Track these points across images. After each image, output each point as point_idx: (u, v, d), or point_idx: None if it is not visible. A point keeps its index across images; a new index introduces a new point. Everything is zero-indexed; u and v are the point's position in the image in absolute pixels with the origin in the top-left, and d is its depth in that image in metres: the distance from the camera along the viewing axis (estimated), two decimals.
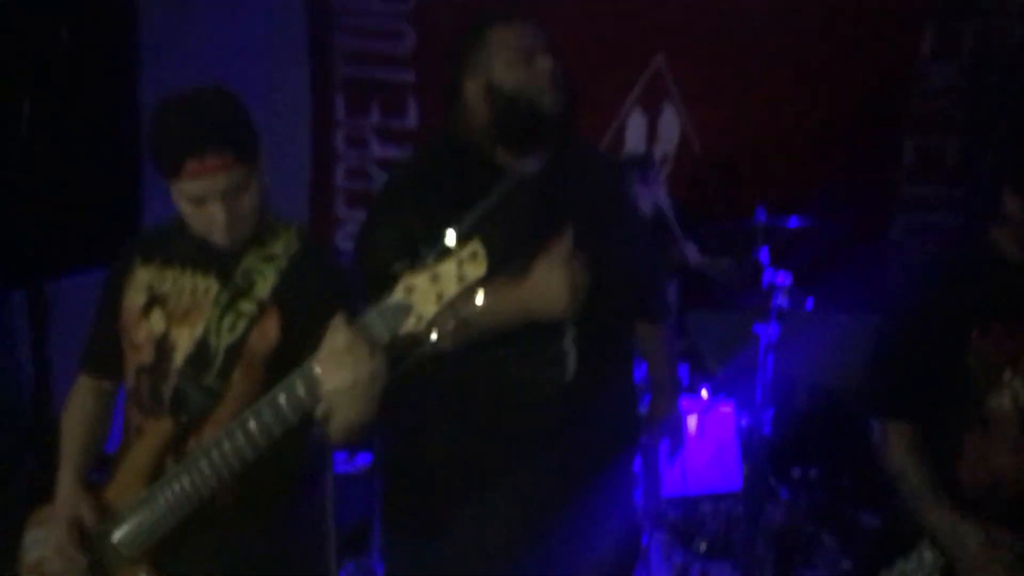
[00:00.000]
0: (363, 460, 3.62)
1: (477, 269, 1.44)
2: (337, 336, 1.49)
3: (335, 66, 5.08)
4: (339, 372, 1.48)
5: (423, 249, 1.50)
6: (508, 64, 1.92)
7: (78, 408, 1.96)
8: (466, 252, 1.44)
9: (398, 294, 1.47)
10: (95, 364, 1.98)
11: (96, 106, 3.24)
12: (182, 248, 1.84)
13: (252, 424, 1.60)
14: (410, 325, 1.47)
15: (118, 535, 1.77)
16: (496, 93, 1.93)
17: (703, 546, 3.87)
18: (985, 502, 1.95)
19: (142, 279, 1.86)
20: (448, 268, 1.44)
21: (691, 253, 4.16)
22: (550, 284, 1.79)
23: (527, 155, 1.97)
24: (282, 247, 1.86)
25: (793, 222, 3.87)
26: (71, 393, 1.98)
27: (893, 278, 4.61)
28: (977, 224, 4.06)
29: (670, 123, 4.87)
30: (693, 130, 4.80)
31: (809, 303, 3.76)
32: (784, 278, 3.69)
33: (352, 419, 1.57)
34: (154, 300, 1.83)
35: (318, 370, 1.52)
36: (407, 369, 1.61)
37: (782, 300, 3.69)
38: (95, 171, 3.24)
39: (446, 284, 1.44)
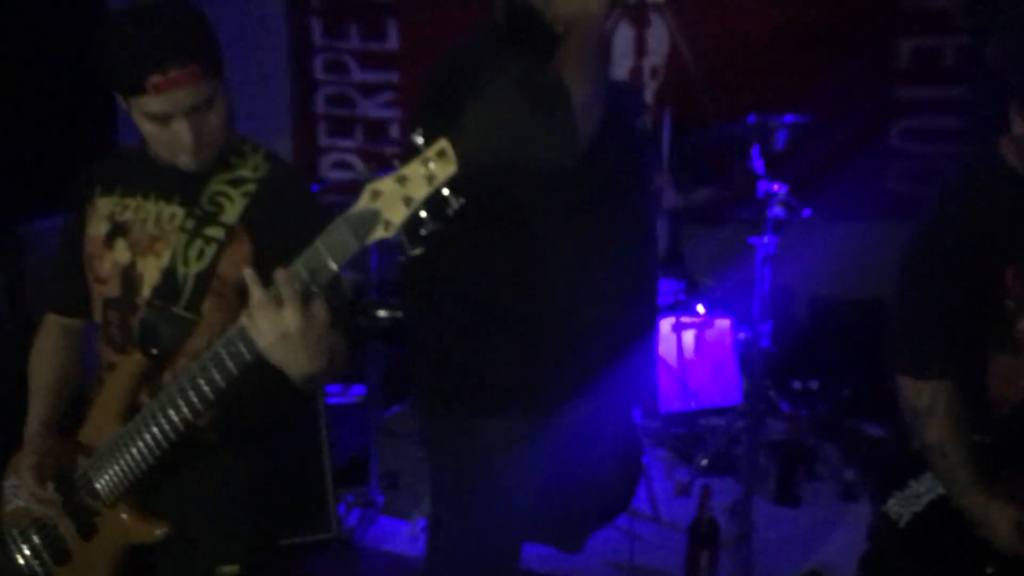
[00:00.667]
0: (357, 391, 3.57)
1: (445, 168, 1.34)
2: (254, 292, 1.40)
3: None
4: (264, 328, 1.40)
5: (387, 151, 1.41)
6: None
7: (44, 349, 1.89)
8: (433, 151, 1.34)
9: (363, 200, 1.37)
10: (60, 301, 1.90)
11: (63, 44, 3.11)
12: (143, 175, 1.75)
13: (223, 355, 1.52)
14: (379, 232, 1.37)
15: (99, 480, 1.71)
16: None
17: (704, 462, 3.86)
18: (1014, 422, 1.89)
19: (103, 209, 1.77)
20: (415, 169, 1.34)
21: (667, 198, 4.03)
22: None
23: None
24: (250, 170, 1.76)
25: (786, 118, 3.71)
26: (38, 334, 1.91)
27: (892, 184, 4.51)
28: (979, 133, 3.99)
29: (659, 35, 4.71)
30: (683, 40, 4.64)
31: (806, 212, 3.66)
32: (780, 187, 3.60)
33: (300, 371, 1.47)
34: (117, 230, 1.74)
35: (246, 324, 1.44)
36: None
37: (778, 210, 3.59)
38: (67, 112, 3.12)
39: (414, 187, 1.35)
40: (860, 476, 3.70)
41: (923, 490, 1.93)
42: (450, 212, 1.38)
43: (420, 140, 1.36)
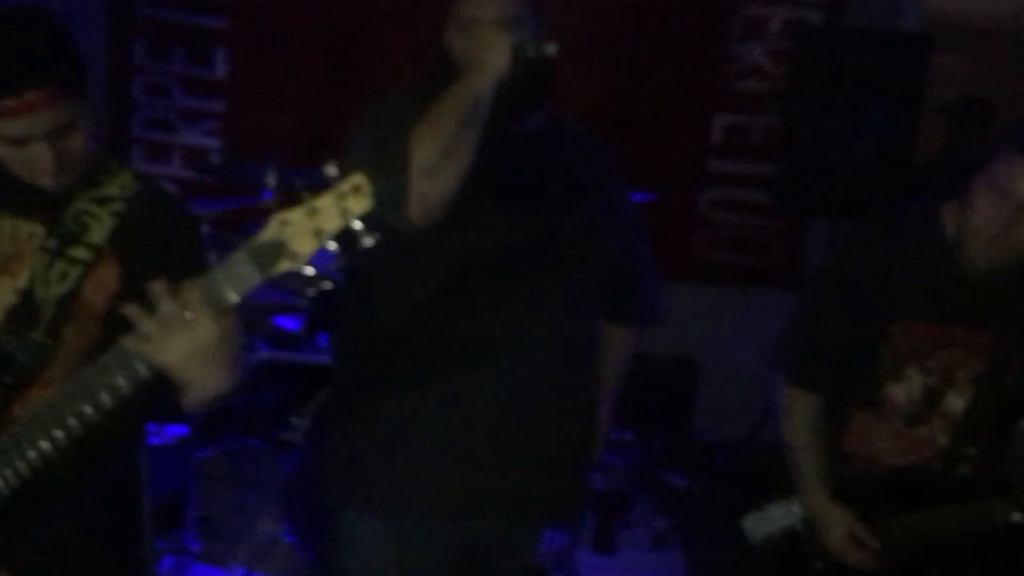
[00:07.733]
0: (175, 431, 3.38)
1: (360, 203, 1.33)
2: (164, 305, 1.35)
3: (135, 5, 4.70)
4: (171, 343, 1.35)
5: (296, 181, 1.40)
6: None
7: None
8: (348, 185, 1.33)
9: (270, 230, 1.34)
10: None
11: None
12: (0, 191, 1.60)
13: (98, 386, 1.41)
14: (284, 264, 1.35)
15: None
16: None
17: None
18: (866, 477, 2.05)
19: None
20: (327, 202, 1.33)
21: None
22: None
23: None
24: (118, 188, 1.66)
25: None
26: None
27: (700, 250, 4.81)
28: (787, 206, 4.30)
29: None
30: None
31: None
32: None
33: (205, 388, 1.44)
34: None
35: (133, 346, 1.38)
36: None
37: None
38: None
39: (326, 219, 1.33)
40: (670, 525, 3.88)
41: (778, 515, 2.10)
42: (360, 248, 1.38)
43: (334, 173, 1.35)
